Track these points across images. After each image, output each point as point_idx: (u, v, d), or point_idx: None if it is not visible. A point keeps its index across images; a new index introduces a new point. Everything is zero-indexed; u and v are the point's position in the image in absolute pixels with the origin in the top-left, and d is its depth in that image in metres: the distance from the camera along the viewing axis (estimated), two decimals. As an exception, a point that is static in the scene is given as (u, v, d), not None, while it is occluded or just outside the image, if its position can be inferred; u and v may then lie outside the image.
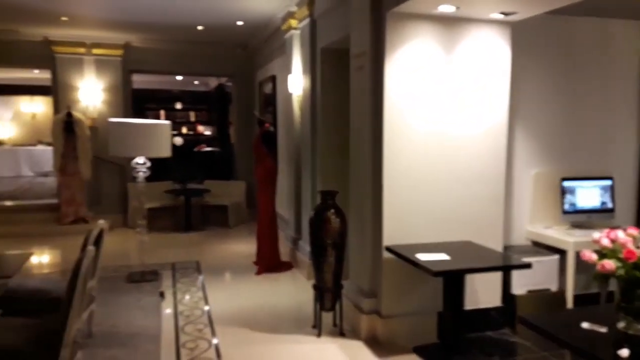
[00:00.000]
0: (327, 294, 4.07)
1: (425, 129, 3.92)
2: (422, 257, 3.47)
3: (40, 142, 13.68)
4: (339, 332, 4.07)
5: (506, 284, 4.27)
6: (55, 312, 3.00)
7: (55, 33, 8.00)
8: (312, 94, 5.51)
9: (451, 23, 3.90)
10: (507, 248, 4.35)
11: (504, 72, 4.09)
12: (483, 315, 4.15)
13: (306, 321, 4.29)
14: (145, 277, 5.42)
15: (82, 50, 8.33)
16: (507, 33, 4.06)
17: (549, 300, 4.28)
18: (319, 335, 4.04)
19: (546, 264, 4.27)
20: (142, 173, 5.38)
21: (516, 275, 4.22)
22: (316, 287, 4.10)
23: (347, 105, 4.46)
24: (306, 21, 5.53)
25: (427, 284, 3.90)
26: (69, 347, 2.80)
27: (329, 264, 4.01)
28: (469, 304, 3.97)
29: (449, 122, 3.98)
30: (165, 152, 5.35)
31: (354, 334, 4.06)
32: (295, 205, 6.16)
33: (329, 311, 4.12)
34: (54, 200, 8.36)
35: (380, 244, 3.91)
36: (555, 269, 4.31)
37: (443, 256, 3.52)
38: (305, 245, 5.51)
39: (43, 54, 8.23)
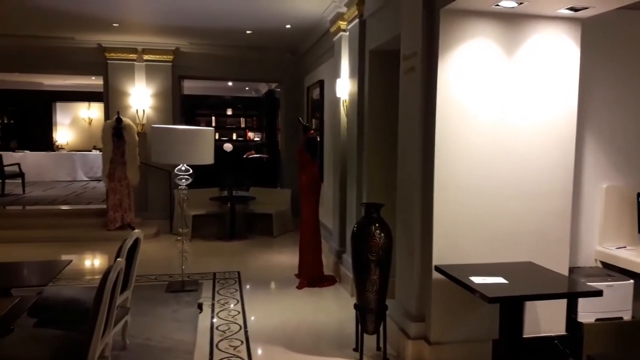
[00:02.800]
0: (369, 315, 3.76)
1: (482, 136, 3.56)
2: (477, 280, 3.11)
3: (95, 148, 14.12)
4: (383, 357, 3.75)
5: (571, 309, 3.83)
6: (86, 325, 2.88)
7: (108, 39, 8.15)
8: (360, 98, 5.25)
9: (512, 20, 3.54)
10: (573, 270, 3.90)
11: (572, 75, 3.67)
12: (545, 344, 3.74)
13: (348, 342, 4.00)
14: (184, 287, 5.31)
15: (133, 56, 8.45)
16: (576, 31, 3.64)
17: (622, 330, 3.80)
18: (360, 359, 3.73)
19: (619, 289, 3.80)
20: (184, 180, 5.27)
21: (583, 301, 3.78)
22: (358, 307, 3.80)
23: (396, 110, 4.18)
24: (355, 22, 5.29)
25: (481, 308, 3.53)
26: (93, 364, 2.65)
27: (372, 282, 3.70)
28: (529, 331, 3.58)
29: (509, 130, 3.60)
30: (208, 159, 5.21)
31: (399, 360, 3.74)
32: (339, 216, 5.90)
33: (372, 334, 3.81)
34: (103, 206, 8.49)
35: (429, 263, 3.57)
36: (629, 295, 3.83)
37: (500, 279, 3.15)
38: (349, 259, 5.22)
39: (97, 61, 8.42)
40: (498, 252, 3.61)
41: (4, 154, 11.44)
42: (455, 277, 3.23)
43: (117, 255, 3.36)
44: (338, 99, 5.92)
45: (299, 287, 5.50)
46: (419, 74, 3.66)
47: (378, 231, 3.70)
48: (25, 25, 7.35)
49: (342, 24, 5.67)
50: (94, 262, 6.95)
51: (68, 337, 2.93)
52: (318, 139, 5.96)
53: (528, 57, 3.59)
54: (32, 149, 13.86)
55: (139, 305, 4.59)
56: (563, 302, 3.79)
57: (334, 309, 4.99)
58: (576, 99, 3.70)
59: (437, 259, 3.53)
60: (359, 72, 5.23)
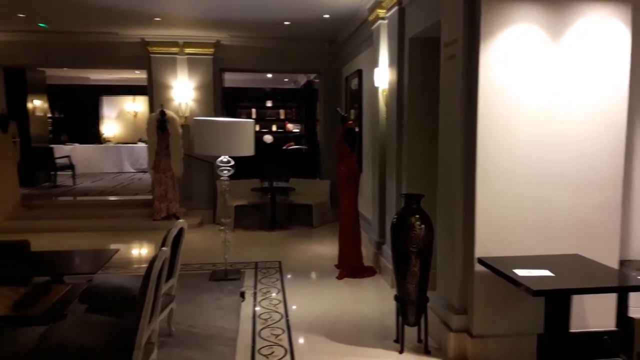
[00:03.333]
0: (410, 307, 3.74)
1: (527, 125, 3.46)
2: (521, 272, 3.04)
3: (141, 140, 14.55)
4: (424, 349, 3.73)
5: (622, 304, 3.68)
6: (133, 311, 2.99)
7: (150, 34, 8.35)
8: (399, 87, 5.19)
9: (557, 3, 3.41)
10: (623, 263, 3.75)
11: (622, 59, 3.51)
12: (593, 339, 3.63)
13: (388, 334, 4.00)
14: (227, 276, 5.42)
15: (175, 49, 8.62)
16: (627, 13, 3.48)
17: (677, 326, 3.63)
18: (401, 351, 3.73)
19: (674, 283, 3.61)
20: (225, 171, 5.37)
21: (635, 295, 3.64)
22: (398, 299, 3.79)
23: (436, 99, 4.11)
24: (394, 10, 5.21)
25: (525, 302, 3.45)
26: (141, 349, 2.75)
27: (412, 274, 3.67)
28: (576, 326, 3.47)
29: (555, 117, 3.48)
30: (248, 151, 5.28)
31: (441, 353, 3.70)
32: (379, 207, 5.87)
33: (413, 326, 3.79)
34: (149, 197, 8.75)
35: (472, 255, 3.51)
36: (686, 290, 3.64)
37: (545, 272, 3.06)
38: (389, 251, 5.20)
39: (140, 55, 8.63)
40: (543, 245, 3.51)
41: (55, 147, 11.94)
42: (499, 270, 3.17)
43: (162, 245, 3.46)
44: (376, 89, 5.86)
45: (339, 277, 5.52)
46: (460, 61, 3.58)
47: (418, 222, 3.66)
48: (72, 22, 7.61)
49: (381, 12, 5.60)
50: (140, 251, 7.20)
51: (117, 323, 3.05)
52: (356, 130, 5.94)
53: (575, 41, 3.46)
54: (81, 142, 14.42)
55: (183, 293, 4.73)
56: (613, 297, 3.66)
57: (374, 300, 4.99)
58: (627, 84, 3.53)
59: (480, 251, 3.47)
60: (398, 61, 5.16)
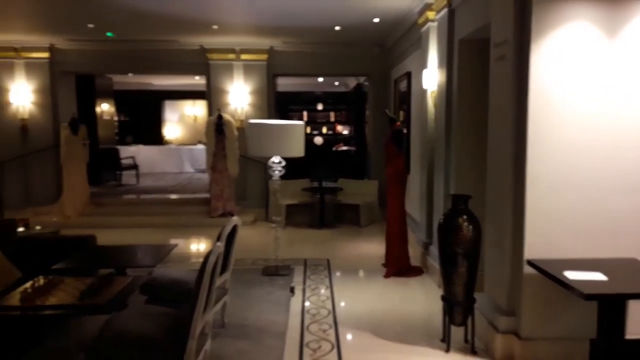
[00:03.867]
0: (457, 307, 3.74)
1: (580, 125, 3.39)
2: (572, 275, 2.99)
3: (200, 142, 15.11)
4: (471, 349, 3.72)
5: (684, 312, 3.50)
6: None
7: (209, 41, 8.70)
8: (448, 89, 5.17)
9: (614, 1, 3.30)
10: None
11: (685, 57, 3.36)
12: (651, 347, 3.47)
13: (435, 333, 4.01)
14: (278, 271, 5.59)
15: (232, 56, 8.94)
16: (692, 7, 3.32)
17: None
18: (447, 350, 3.74)
19: None
20: (277, 172, 5.54)
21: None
22: (445, 299, 3.80)
23: (485, 100, 4.09)
24: (444, 12, 5.21)
25: (577, 305, 3.38)
26: (195, 339, 2.92)
27: (459, 274, 3.68)
28: (632, 332, 3.33)
29: (610, 118, 3.38)
30: (299, 152, 5.43)
31: (487, 354, 3.68)
32: (426, 207, 5.86)
33: (459, 326, 3.79)
34: (207, 195, 9.12)
35: (521, 257, 3.48)
36: None
37: (598, 275, 2.99)
38: (436, 251, 5.18)
39: (200, 61, 9.01)
40: (597, 248, 3.42)
41: (121, 148, 12.64)
42: (548, 272, 3.12)
43: (217, 240, 3.64)
44: (425, 90, 5.86)
45: (386, 276, 5.56)
46: (510, 62, 3.56)
47: (466, 223, 3.66)
48: (137, 31, 8.07)
49: (431, 14, 5.60)
50: (197, 246, 7.53)
51: (173, 313, 3.24)
52: (404, 131, 5.95)
53: (633, 38, 3.34)
54: (145, 143, 15.17)
55: (236, 287, 4.93)
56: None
57: (420, 299, 5.00)
58: (691, 83, 3.38)
59: (530, 252, 3.43)
60: (448, 62, 5.15)
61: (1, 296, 3.27)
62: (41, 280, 3.14)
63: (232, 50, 8.88)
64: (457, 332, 3.82)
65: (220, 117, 8.45)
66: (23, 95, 8.84)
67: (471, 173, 4.86)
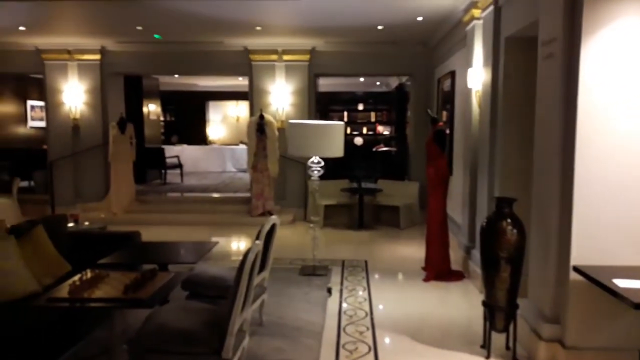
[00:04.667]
0: (498, 313, 3.63)
1: (631, 127, 3.23)
2: (621, 283, 2.85)
3: (242, 142, 15.35)
4: (512, 357, 3.60)
5: None
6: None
7: (252, 42, 8.82)
8: (493, 88, 5.04)
9: (674, -6, 3.14)
10: None
11: None
12: None
13: (475, 339, 3.91)
14: (316, 272, 5.60)
15: (274, 57, 9.03)
16: None
17: None
18: (487, 357, 3.64)
19: None
20: (316, 172, 5.55)
21: None
22: (487, 305, 3.70)
23: (532, 100, 3.96)
24: (490, 9, 5.09)
25: (627, 314, 3.21)
26: (233, 336, 2.96)
27: (502, 279, 3.57)
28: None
29: (666, 118, 3.20)
30: (338, 152, 5.43)
31: (529, 362, 3.56)
32: (469, 210, 5.73)
33: (501, 332, 3.68)
34: (247, 194, 9.24)
35: (567, 263, 3.35)
36: None
37: (650, 284, 2.84)
38: (478, 255, 5.06)
39: (243, 62, 9.14)
40: (649, 255, 3.25)
41: (166, 147, 12.99)
42: (596, 279, 2.99)
43: (256, 239, 3.69)
44: (470, 90, 5.73)
45: (426, 279, 5.47)
46: (559, 60, 3.43)
47: (510, 227, 3.55)
48: (183, 33, 8.28)
49: (476, 12, 5.48)
50: (237, 244, 7.64)
51: (213, 310, 3.29)
52: (447, 131, 5.84)
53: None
54: (189, 143, 15.55)
55: (274, 286, 4.97)
56: None
57: (461, 304, 4.89)
58: None
59: (576, 258, 3.30)
60: (493, 61, 5.02)
61: (51, 288, 3.42)
62: (89, 274, 3.25)
63: (275, 51, 8.97)
64: (498, 339, 3.71)
65: (262, 117, 8.56)
66: (75, 96, 9.23)
67: (516, 175, 4.72)
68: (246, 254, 3.01)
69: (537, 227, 3.76)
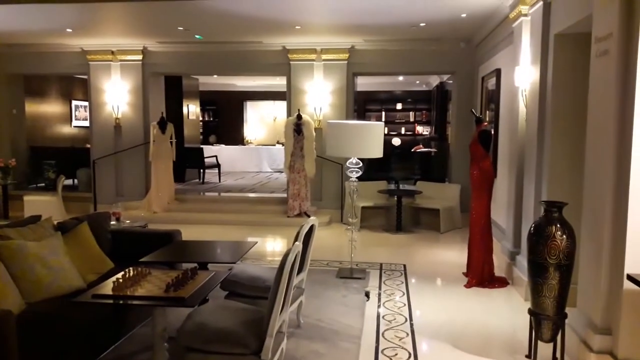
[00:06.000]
0: (545, 322, 3.47)
1: (696, 128, 3.02)
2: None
3: (278, 142, 15.43)
4: (560, 369, 3.44)
5: None
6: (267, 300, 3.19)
7: (291, 41, 8.82)
8: (542, 87, 4.84)
9: None
10: None
11: None
12: None
13: (520, 349, 3.76)
14: (353, 275, 5.53)
15: (313, 56, 9.00)
16: None
17: None
18: (533, 368, 3.49)
19: None
20: (354, 173, 5.48)
21: None
22: (533, 313, 3.54)
23: (583, 99, 3.78)
24: (538, 5, 4.89)
25: (689, 330, 3.01)
26: (272, 337, 2.93)
27: (550, 287, 3.41)
28: None
29: None
30: (377, 153, 5.34)
31: (580, 375, 3.39)
32: (514, 214, 5.52)
33: (548, 342, 3.52)
34: (284, 195, 9.25)
35: (620, 271, 3.17)
36: None
37: None
38: (524, 262, 4.87)
39: (281, 62, 9.15)
40: None
41: (205, 147, 13.18)
42: (654, 290, 2.81)
43: (295, 240, 3.65)
44: (516, 89, 5.53)
45: (467, 285, 5.31)
46: (614, 58, 3.25)
47: (559, 232, 3.39)
48: (223, 33, 8.36)
49: (524, 8, 5.28)
50: (274, 244, 7.65)
51: (252, 310, 3.28)
52: (492, 132, 5.66)
53: None
54: (227, 143, 15.74)
55: (312, 288, 4.93)
56: None
57: (505, 311, 4.72)
58: None
59: (630, 266, 3.11)
60: (542, 59, 4.82)
61: (95, 285, 3.48)
62: (131, 272, 3.29)
63: (313, 50, 8.94)
64: (544, 349, 3.55)
65: (299, 117, 8.54)
66: (117, 96, 9.46)
67: (566, 178, 4.52)
68: (286, 255, 2.97)
69: (589, 233, 3.58)
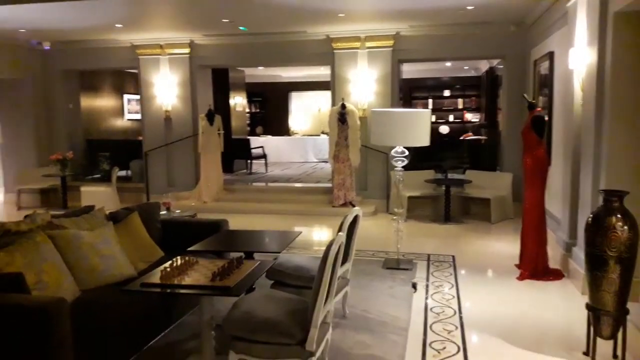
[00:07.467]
0: (605, 318, 3.28)
1: None
2: None
3: (323, 132, 15.42)
4: (621, 367, 3.26)
5: None
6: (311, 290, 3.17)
7: (334, 30, 8.73)
8: (600, 69, 4.55)
9: None
10: None
11: None
12: None
13: (576, 345, 3.58)
14: (400, 265, 5.44)
15: (357, 44, 8.87)
16: None
17: None
18: (592, 365, 3.31)
19: None
20: (399, 162, 5.37)
21: None
22: (591, 308, 3.36)
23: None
24: (596, -18, 4.59)
25: None
26: (317, 327, 2.91)
27: (609, 281, 3.22)
28: None
29: None
30: (423, 141, 5.20)
31: (642, 375, 3.19)
32: (570, 204, 5.26)
33: (607, 339, 3.33)
34: (329, 185, 9.24)
35: (690, 265, 2.94)
36: None
37: None
38: (580, 253, 4.63)
39: (325, 51, 9.08)
40: None
41: (251, 138, 13.34)
42: None
43: (339, 230, 3.61)
44: (571, 72, 5.23)
45: (520, 278, 5.11)
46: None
47: (620, 223, 3.19)
48: (267, 24, 8.37)
49: (580, -14, 4.98)
50: (319, 234, 7.65)
51: (297, 300, 3.27)
52: (546, 118, 5.39)
53: None
54: (273, 134, 15.87)
55: (357, 278, 4.89)
56: None
57: (559, 306, 4.51)
58: None
59: (702, 261, 2.88)
60: (600, 40, 4.52)
61: (145, 273, 3.57)
62: (179, 261, 3.35)
63: (357, 38, 8.81)
64: (604, 346, 3.37)
65: (343, 107, 8.47)
66: (167, 89, 9.68)
67: (627, 166, 4.24)
68: (329, 246, 2.94)
69: (653, 224, 3.34)
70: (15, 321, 2.61)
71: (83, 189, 9.09)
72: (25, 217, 3.68)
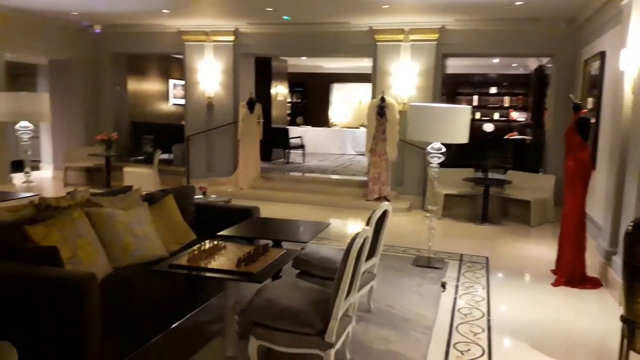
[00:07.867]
0: (640, 332, 3.13)
1: None
2: None
3: (362, 125, 15.30)
4: (656, 384, 3.10)
5: None
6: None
7: (377, 22, 8.62)
8: (654, 72, 4.31)
9: None
10: None
11: None
12: None
13: (608, 358, 3.45)
14: (430, 263, 5.37)
15: (400, 37, 8.74)
16: None
17: None
18: (623, 380, 3.17)
19: None
20: (435, 158, 5.27)
21: None
22: (625, 320, 3.20)
23: None
24: (655, -21, 4.33)
25: None
26: (337, 320, 2.91)
27: (648, 294, 3.06)
28: None
29: None
30: (462, 138, 5.08)
31: (678, 394, 3.03)
32: (613, 210, 5.03)
33: (642, 354, 3.18)
34: (365, 178, 9.18)
35: None
36: None
37: None
38: (621, 262, 4.43)
39: (368, 43, 8.98)
40: None
41: (290, 128, 13.40)
42: None
43: (367, 224, 3.59)
44: (622, 74, 4.98)
45: (555, 284, 4.95)
46: None
47: (663, 233, 3.02)
48: (310, 14, 8.35)
49: (637, -17, 4.72)
50: (350, 226, 7.62)
51: (319, 291, 3.28)
52: (592, 120, 5.16)
53: None
54: (313, 125, 15.89)
55: (385, 274, 4.85)
56: None
57: (595, 315, 4.34)
58: None
59: None
60: (656, 39, 4.29)
61: (177, 254, 3.65)
62: (207, 245, 3.41)
63: (401, 31, 8.67)
64: (638, 361, 3.22)
65: (382, 100, 8.37)
66: (210, 75, 9.84)
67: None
68: (353, 239, 2.93)
69: (701, 237, 3.15)
70: (47, 294, 2.73)
71: (126, 169, 9.38)
72: (67, 193, 3.83)
